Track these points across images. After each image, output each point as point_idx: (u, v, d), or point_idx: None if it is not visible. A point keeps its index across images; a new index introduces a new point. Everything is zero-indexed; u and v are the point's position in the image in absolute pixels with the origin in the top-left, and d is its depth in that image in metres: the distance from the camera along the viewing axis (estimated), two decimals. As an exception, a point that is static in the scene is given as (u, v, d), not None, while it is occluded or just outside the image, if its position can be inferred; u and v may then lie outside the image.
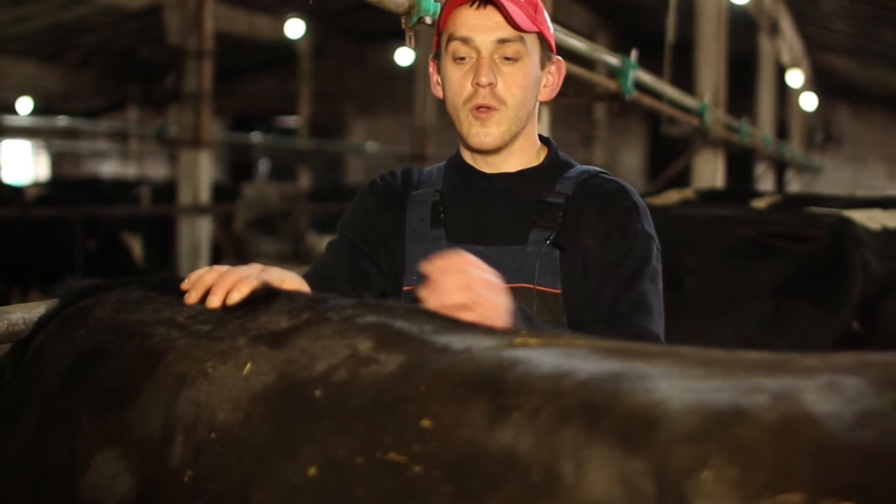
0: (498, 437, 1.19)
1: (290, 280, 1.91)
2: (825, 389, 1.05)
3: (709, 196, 7.24)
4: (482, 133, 2.30)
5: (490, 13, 2.24)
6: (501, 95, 2.27)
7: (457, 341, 1.36)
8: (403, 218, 2.42)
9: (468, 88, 2.28)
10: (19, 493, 1.61)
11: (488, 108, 2.27)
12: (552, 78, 2.42)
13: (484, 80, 2.24)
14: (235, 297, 1.66)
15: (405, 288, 2.35)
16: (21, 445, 1.65)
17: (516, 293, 2.05)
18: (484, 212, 2.36)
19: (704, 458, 1.03)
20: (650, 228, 2.30)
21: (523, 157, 2.40)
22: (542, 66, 2.36)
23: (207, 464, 1.40)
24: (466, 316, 1.69)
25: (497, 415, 1.20)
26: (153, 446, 1.46)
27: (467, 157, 2.43)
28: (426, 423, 1.24)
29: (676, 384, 1.14)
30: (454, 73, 2.31)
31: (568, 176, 2.36)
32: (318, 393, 1.37)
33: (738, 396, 1.08)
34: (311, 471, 1.29)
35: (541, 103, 2.45)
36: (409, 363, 1.35)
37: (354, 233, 2.45)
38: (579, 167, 2.42)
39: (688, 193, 7.10)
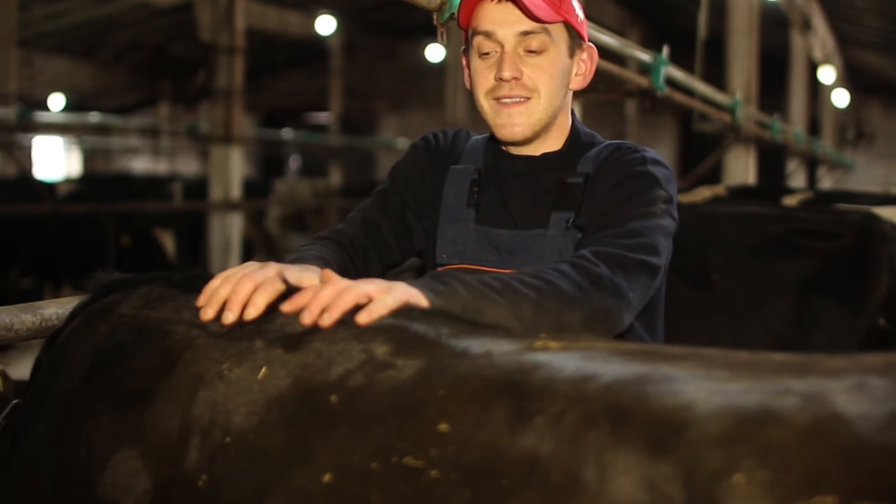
0: (519, 441, 1.17)
1: (308, 277, 1.80)
2: (854, 391, 1.04)
3: (740, 193, 7.20)
4: (509, 124, 2.28)
5: (510, 6, 2.22)
6: (531, 84, 2.25)
7: (476, 345, 1.35)
8: (443, 186, 2.42)
9: (491, 81, 2.27)
10: (40, 490, 1.60)
11: (517, 97, 2.26)
12: (583, 66, 2.39)
13: (507, 74, 2.23)
14: (252, 313, 1.57)
15: (438, 268, 2.33)
16: (42, 440, 1.64)
17: None
18: (510, 194, 2.35)
19: (736, 460, 1.02)
20: (667, 191, 2.20)
21: (552, 144, 2.38)
22: (572, 55, 2.34)
23: (222, 469, 1.39)
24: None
25: (519, 419, 1.19)
26: (170, 448, 1.45)
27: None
28: (444, 426, 1.23)
29: (703, 386, 1.12)
30: (479, 67, 2.30)
31: (590, 155, 2.33)
32: (333, 398, 1.35)
33: (768, 398, 1.07)
34: (327, 477, 1.28)
35: (573, 98, 2.43)
36: (427, 368, 1.33)
37: (405, 186, 2.46)
38: (603, 143, 2.38)
39: (719, 190, 7.05)
